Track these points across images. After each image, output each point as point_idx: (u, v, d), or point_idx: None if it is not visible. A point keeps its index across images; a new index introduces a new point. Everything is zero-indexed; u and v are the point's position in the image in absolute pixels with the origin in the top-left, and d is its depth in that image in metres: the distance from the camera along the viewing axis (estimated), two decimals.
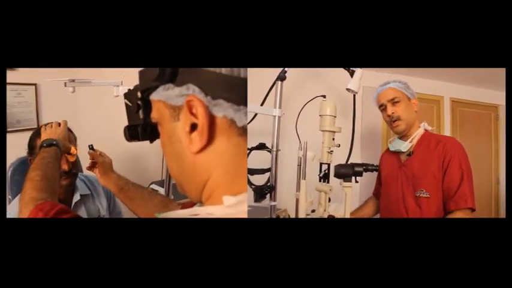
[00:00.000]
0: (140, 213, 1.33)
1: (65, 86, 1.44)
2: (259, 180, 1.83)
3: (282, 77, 1.71)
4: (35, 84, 2.40)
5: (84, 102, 2.55)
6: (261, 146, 1.84)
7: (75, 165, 1.53)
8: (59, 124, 1.35)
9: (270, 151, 1.78)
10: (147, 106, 0.92)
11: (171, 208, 1.29)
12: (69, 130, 1.51)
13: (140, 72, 0.73)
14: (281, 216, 2.10)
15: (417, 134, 1.57)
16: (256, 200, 1.81)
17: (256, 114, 2.06)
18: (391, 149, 1.64)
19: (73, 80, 1.43)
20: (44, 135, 1.30)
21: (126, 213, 1.61)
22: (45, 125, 1.39)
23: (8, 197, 1.80)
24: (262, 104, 1.91)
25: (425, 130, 1.60)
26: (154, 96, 0.67)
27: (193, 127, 0.60)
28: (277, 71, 1.72)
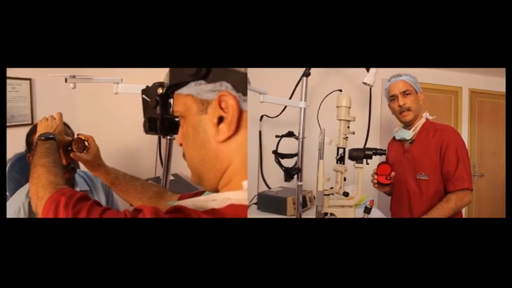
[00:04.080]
0: (135, 204, 1.28)
1: (66, 81, 1.40)
2: (288, 163, 2.10)
3: (307, 74, 1.94)
4: (29, 79, 2.33)
5: (79, 98, 2.47)
6: (290, 134, 2.09)
7: (74, 160, 1.43)
8: (54, 117, 1.33)
9: (297, 138, 2.04)
10: (165, 102, 1.07)
11: (167, 198, 1.25)
12: (66, 125, 1.48)
13: (171, 70, 0.79)
14: (307, 196, 2.38)
15: (419, 123, 1.77)
16: (286, 180, 2.08)
17: (285, 107, 2.34)
18: (397, 137, 1.85)
19: (74, 76, 1.39)
20: (41, 129, 1.26)
21: (124, 207, 1.53)
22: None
23: (6, 193, 1.73)
24: (290, 98, 2.18)
25: (427, 119, 1.79)
26: (183, 91, 0.73)
27: (220, 120, 0.67)
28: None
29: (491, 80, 3.04)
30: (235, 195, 0.68)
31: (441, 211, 1.61)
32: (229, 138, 0.67)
